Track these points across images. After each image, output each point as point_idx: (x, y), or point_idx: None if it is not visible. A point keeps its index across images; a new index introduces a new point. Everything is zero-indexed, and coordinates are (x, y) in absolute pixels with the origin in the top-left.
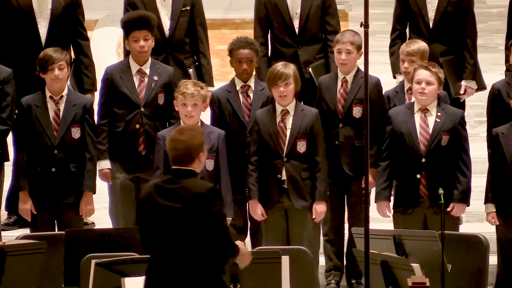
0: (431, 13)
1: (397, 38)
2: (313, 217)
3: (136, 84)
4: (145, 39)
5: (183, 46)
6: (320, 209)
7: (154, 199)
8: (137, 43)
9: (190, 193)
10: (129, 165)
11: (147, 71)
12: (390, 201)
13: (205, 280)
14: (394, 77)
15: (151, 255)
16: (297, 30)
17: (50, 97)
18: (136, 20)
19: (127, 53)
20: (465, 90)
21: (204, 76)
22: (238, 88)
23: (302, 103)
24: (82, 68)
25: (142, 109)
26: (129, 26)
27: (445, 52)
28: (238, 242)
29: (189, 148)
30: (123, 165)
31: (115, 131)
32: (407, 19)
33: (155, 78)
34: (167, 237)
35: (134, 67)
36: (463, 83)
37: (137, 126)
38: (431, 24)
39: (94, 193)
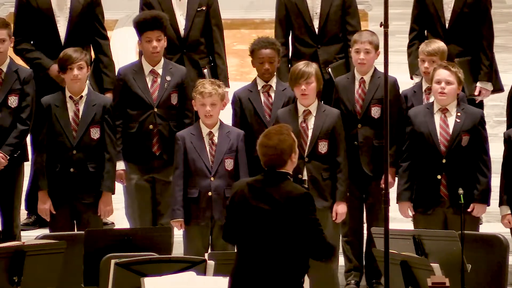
0: (448, 14)
1: (415, 38)
2: (334, 217)
3: (149, 85)
4: (158, 39)
5: (198, 46)
6: (341, 209)
7: (247, 200)
8: (150, 44)
9: (284, 196)
10: (143, 165)
11: (160, 71)
12: (412, 202)
13: (288, 283)
14: (411, 78)
15: (237, 254)
16: (316, 30)
17: (70, 97)
18: (149, 20)
19: (140, 54)
20: (479, 92)
21: (219, 76)
22: (259, 87)
23: (322, 103)
24: (101, 67)
25: (156, 110)
26: (142, 27)
27: (461, 53)
28: None
29: (280, 153)
30: (137, 166)
31: (129, 132)
32: (424, 20)
33: (168, 78)
34: (256, 238)
35: (147, 67)
36: (478, 84)
37: (151, 126)
38: (447, 25)
39: (113, 193)
